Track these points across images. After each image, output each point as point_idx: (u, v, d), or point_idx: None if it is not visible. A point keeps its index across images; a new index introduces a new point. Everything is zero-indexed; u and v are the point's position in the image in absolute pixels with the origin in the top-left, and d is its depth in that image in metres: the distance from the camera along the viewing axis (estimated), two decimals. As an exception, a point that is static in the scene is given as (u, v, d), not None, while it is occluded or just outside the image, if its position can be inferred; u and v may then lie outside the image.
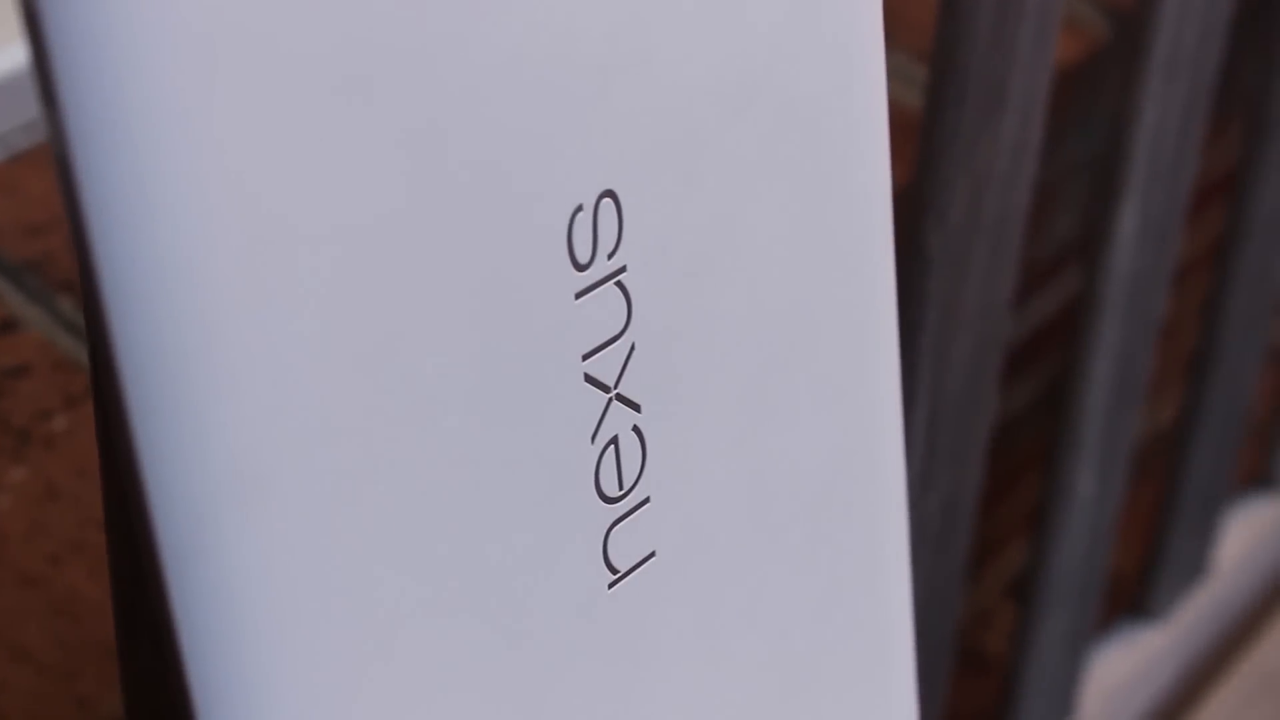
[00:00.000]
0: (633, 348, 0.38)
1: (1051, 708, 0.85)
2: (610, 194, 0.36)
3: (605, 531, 0.38)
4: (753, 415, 0.41)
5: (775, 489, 0.42)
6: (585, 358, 0.37)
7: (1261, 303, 0.89)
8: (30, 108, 0.70)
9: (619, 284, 0.37)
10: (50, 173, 0.59)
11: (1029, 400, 0.99)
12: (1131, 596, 0.94)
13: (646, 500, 0.39)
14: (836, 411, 0.43)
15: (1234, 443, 0.93)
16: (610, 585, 0.39)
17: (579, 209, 0.36)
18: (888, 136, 0.42)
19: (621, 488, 0.38)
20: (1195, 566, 0.95)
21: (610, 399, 0.38)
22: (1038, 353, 0.95)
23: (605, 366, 0.37)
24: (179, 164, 0.30)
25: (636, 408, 0.38)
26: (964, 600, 0.99)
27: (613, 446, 0.38)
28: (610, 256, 0.37)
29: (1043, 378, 0.96)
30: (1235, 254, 0.86)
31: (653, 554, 0.40)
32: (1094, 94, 0.87)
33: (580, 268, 0.36)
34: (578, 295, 0.36)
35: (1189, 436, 0.90)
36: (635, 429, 0.38)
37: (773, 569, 0.43)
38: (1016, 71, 0.57)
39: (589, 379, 0.37)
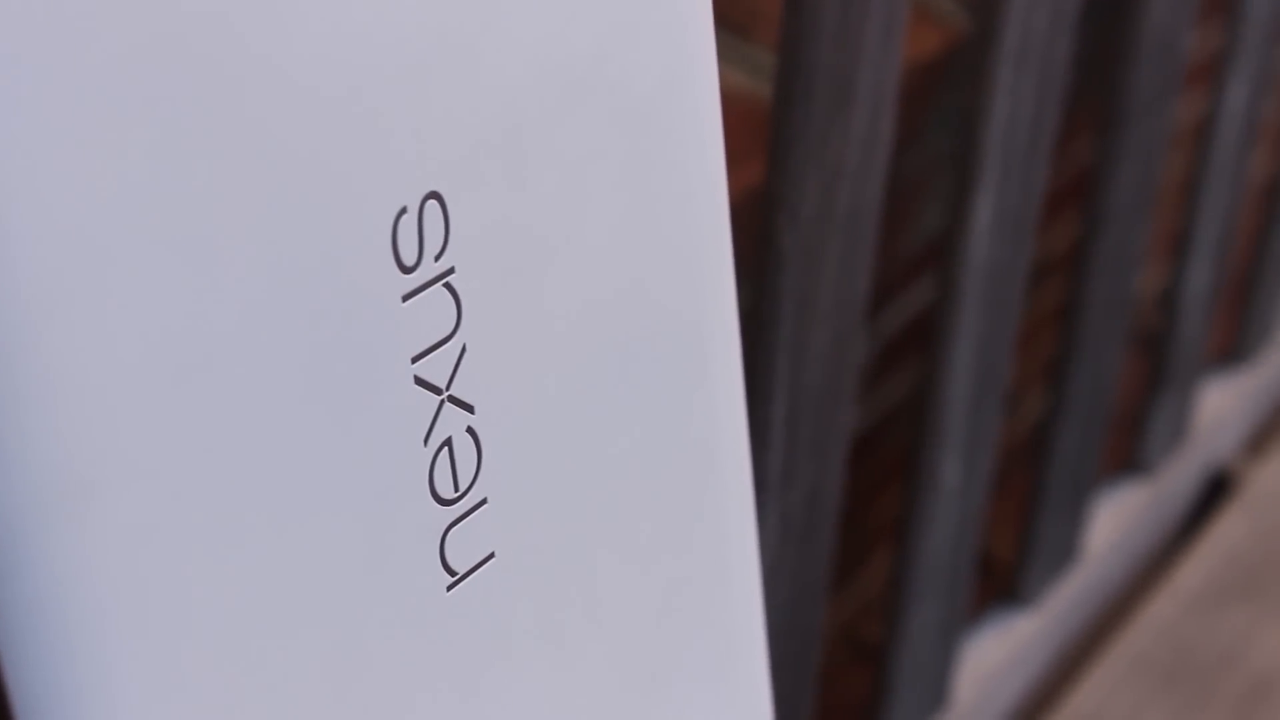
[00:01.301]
0: (464, 349, 0.37)
1: (926, 695, 0.86)
2: (435, 195, 0.36)
3: (442, 534, 0.38)
4: (589, 413, 0.41)
5: (615, 487, 0.42)
6: (415, 360, 0.36)
7: (1123, 291, 0.90)
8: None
9: (447, 285, 0.37)
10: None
11: (908, 392, 0.99)
12: (1004, 583, 0.95)
13: (484, 502, 0.39)
14: (676, 407, 0.43)
15: (1100, 429, 0.94)
16: (449, 588, 0.39)
17: (403, 211, 0.35)
18: (721, 131, 0.42)
19: (457, 490, 0.38)
20: (1065, 553, 0.96)
21: (442, 401, 0.37)
22: (916, 344, 0.95)
23: (436, 368, 0.37)
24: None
25: (470, 409, 0.38)
26: (848, 591, 1.00)
27: (446, 448, 0.38)
28: (437, 258, 0.36)
29: (921, 369, 0.97)
30: (1095, 243, 0.87)
31: (492, 555, 0.40)
32: (955, 87, 0.88)
33: (406, 270, 0.36)
34: (405, 298, 0.36)
35: (1056, 424, 0.92)
36: (470, 430, 0.38)
37: (616, 567, 0.43)
38: (864, 65, 0.58)
39: (419, 381, 0.37)
